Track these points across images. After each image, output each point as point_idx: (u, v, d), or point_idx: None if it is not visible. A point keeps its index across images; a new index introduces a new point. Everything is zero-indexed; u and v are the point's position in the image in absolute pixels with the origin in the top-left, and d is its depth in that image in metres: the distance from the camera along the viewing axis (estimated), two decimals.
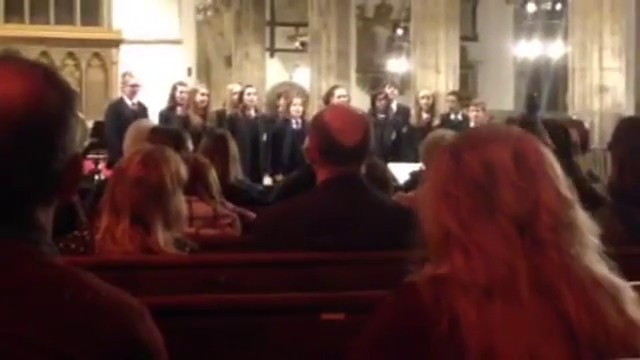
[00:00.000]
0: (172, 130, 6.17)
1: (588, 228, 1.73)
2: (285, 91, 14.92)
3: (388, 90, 12.66)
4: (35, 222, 1.42)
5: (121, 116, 10.67)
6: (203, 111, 11.09)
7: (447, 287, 1.63)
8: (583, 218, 1.74)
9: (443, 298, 1.62)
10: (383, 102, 12.16)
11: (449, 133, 6.34)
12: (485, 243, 1.65)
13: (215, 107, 11.93)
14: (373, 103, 12.23)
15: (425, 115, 12.19)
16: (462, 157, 1.71)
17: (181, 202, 3.51)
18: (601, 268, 1.70)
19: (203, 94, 11.28)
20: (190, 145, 5.65)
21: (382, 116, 12.01)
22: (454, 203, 1.68)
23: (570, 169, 4.18)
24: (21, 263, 1.37)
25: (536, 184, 1.69)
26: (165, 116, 11.06)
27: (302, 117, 11.84)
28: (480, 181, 1.68)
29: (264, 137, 11.80)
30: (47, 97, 1.41)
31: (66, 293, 1.36)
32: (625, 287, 1.71)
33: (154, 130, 5.86)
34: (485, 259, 1.64)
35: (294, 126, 11.79)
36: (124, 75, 12.08)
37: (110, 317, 1.36)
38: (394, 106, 12.57)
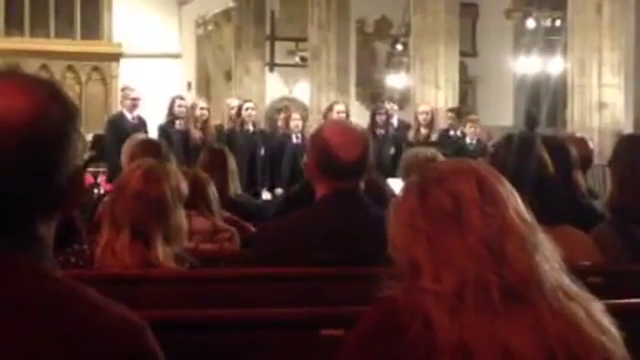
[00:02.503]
0: (154, 144, 6.05)
1: (552, 249, 1.82)
2: (285, 106, 14.93)
3: (388, 106, 12.67)
4: (37, 236, 1.43)
5: (121, 130, 10.63)
6: (203, 125, 11.07)
7: (419, 295, 1.73)
8: (546, 241, 1.82)
9: (416, 305, 1.72)
10: (383, 117, 12.15)
11: (422, 151, 6.37)
12: (454, 259, 1.75)
13: (215, 122, 11.91)
14: (373, 118, 12.23)
15: (424, 130, 12.18)
16: (429, 191, 1.83)
17: (181, 217, 3.51)
18: (570, 283, 1.79)
19: (202, 108, 11.25)
20: (172, 159, 5.61)
21: (381, 131, 12.00)
22: (421, 235, 1.79)
23: (569, 185, 4.18)
24: (22, 277, 1.38)
25: (500, 209, 1.79)
26: (164, 130, 11.04)
27: (302, 132, 11.83)
28: (448, 209, 1.79)
29: (262, 152, 11.79)
30: (50, 112, 1.42)
31: (66, 309, 1.36)
32: (595, 299, 1.80)
33: (140, 144, 5.83)
34: (455, 272, 1.74)
35: (294, 140, 11.79)
36: (124, 89, 12.08)
37: (111, 333, 1.36)
38: (395, 121, 12.57)
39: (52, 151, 1.41)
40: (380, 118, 12.14)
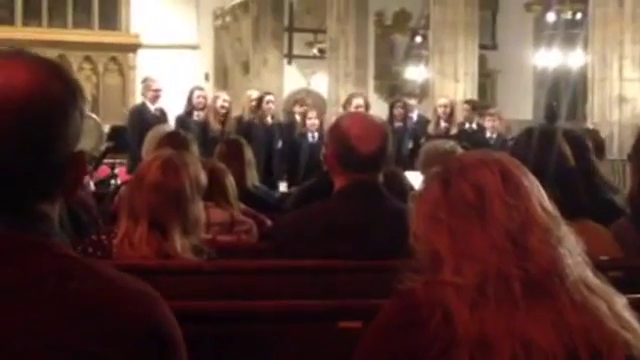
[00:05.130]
0: (179, 137, 6.05)
1: (576, 243, 1.80)
2: (301, 98, 14.84)
3: (407, 100, 12.62)
4: (41, 214, 1.43)
5: (143, 121, 10.58)
6: (223, 117, 11.03)
7: (440, 289, 1.72)
8: (570, 234, 1.81)
9: (436, 298, 1.70)
10: (401, 110, 12.10)
11: (440, 143, 6.33)
12: (476, 252, 1.73)
13: (232, 113, 11.86)
14: (391, 111, 12.18)
15: (443, 124, 12.11)
16: (452, 182, 1.82)
17: (200, 208, 3.50)
18: (593, 278, 1.77)
19: (225, 100, 11.19)
20: (195, 150, 5.61)
21: (400, 124, 11.96)
22: (443, 227, 1.78)
23: (590, 179, 4.15)
24: (34, 255, 1.38)
25: (524, 200, 1.78)
26: (182, 121, 11.02)
27: (318, 130, 11.72)
28: (471, 201, 1.78)
29: (279, 144, 11.74)
30: (50, 89, 1.42)
31: (81, 284, 1.37)
32: (618, 294, 1.78)
33: (165, 137, 5.83)
34: (476, 265, 1.72)
35: (310, 140, 11.70)
36: (146, 80, 12.01)
37: (125, 305, 1.38)
38: (414, 115, 12.50)
39: (49, 125, 1.41)
40: (398, 111, 12.09)
